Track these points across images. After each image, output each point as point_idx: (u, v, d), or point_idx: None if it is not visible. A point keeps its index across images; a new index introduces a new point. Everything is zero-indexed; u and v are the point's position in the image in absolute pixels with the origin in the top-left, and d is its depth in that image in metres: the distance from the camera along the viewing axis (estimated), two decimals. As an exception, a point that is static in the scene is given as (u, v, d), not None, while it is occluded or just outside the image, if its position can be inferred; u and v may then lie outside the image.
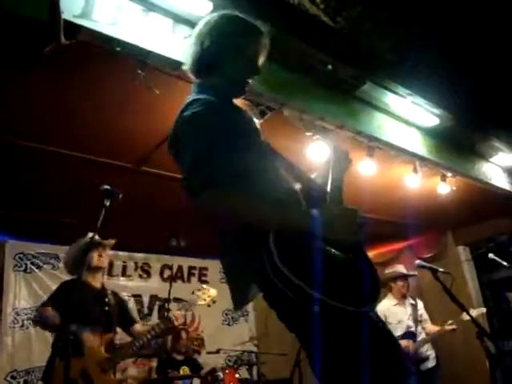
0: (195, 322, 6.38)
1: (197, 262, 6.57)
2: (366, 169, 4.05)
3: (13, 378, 4.94)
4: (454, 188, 4.74)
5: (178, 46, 2.76)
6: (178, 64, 2.73)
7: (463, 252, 6.53)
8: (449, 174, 4.67)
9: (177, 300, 6.14)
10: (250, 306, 6.94)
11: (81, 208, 4.54)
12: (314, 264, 1.44)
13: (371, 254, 7.25)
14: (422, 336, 4.77)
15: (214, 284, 6.67)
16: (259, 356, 5.34)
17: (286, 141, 3.72)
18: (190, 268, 6.54)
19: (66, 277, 5.43)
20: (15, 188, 4.20)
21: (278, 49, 2.96)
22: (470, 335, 4.36)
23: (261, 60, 1.79)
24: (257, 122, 1.84)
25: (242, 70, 1.76)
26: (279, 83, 3.16)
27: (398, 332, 4.66)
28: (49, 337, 5.23)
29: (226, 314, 6.71)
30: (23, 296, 5.29)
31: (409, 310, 4.85)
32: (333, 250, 1.52)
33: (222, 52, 1.73)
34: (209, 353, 5.73)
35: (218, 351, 5.49)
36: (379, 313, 4.77)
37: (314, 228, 1.49)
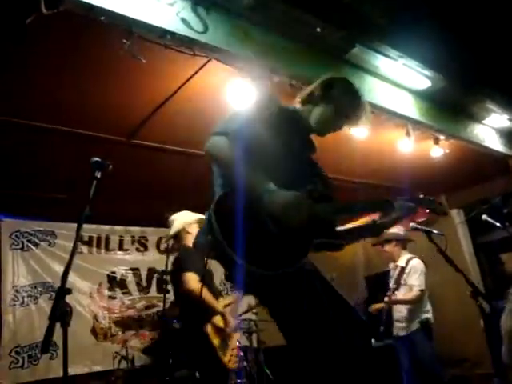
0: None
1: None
2: (358, 133, 4.04)
3: (17, 353, 5.00)
4: (447, 151, 4.75)
5: (163, 13, 2.71)
6: (163, 32, 2.69)
7: (457, 215, 6.57)
8: (442, 137, 4.68)
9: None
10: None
11: (74, 183, 4.53)
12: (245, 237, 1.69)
13: (366, 219, 7.29)
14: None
15: (210, 255, 6.72)
16: (258, 324, 5.40)
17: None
18: (187, 238, 6.55)
19: (63, 253, 5.50)
20: (7, 166, 4.18)
21: (265, 12, 2.92)
22: (464, 295, 4.44)
23: (345, 124, 2.19)
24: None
25: (330, 122, 2.16)
26: (267, 48, 3.12)
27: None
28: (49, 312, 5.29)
29: (224, 284, 6.76)
30: (22, 274, 5.32)
31: (394, 273, 4.80)
32: (269, 222, 1.77)
33: (329, 100, 2.13)
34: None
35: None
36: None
37: (261, 196, 1.76)
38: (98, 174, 2.08)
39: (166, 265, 4.66)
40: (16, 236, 5.37)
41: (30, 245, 5.42)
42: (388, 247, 4.82)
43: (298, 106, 2.22)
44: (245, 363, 5.16)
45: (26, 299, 5.25)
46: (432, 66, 3.89)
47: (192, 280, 3.56)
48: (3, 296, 5.10)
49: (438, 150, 4.70)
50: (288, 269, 1.73)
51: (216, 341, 3.60)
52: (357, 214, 2.12)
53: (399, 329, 4.62)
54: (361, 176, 5.47)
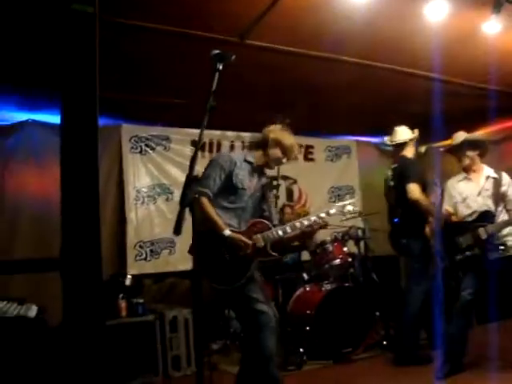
0: (302, 198, 6.51)
1: (302, 140, 6.52)
2: (490, 29, 3.64)
3: (140, 247, 5.46)
4: None
5: None
6: None
7: None
8: None
9: (284, 178, 6.28)
10: (355, 184, 6.94)
11: (189, 88, 4.60)
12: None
13: (484, 131, 6.77)
14: (502, 218, 3.95)
15: (319, 162, 6.72)
16: (367, 231, 5.38)
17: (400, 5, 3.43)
18: (296, 146, 6.54)
19: (177, 157, 5.75)
20: (126, 71, 4.29)
21: None
22: None
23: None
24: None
25: (279, 159, 3.35)
26: None
27: (466, 211, 4.04)
28: (167, 212, 5.65)
29: (333, 192, 6.77)
30: (141, 175, 5.65)
31: (482, 184, 4.04)
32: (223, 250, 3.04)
33: (275, 145, 3.30)
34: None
35: (325, 226, 5.60)
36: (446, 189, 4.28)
37: (219, 235, 3.00)
38: (220, 66, 2.05)
39: (278, 170, 4.71)
40: (135, 140, 5.66)
41: (147, 149, 5.71)
42: (472, 153, 4.09)
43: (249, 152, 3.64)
44: (352, 269, 5.25)
45: (145, 199, 5.63)
46: None
47: (416, 190, 4.27)
48: (126, 195, 5.50)
49: None
50: (238, 283, 2.98)
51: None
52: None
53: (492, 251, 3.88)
54: (484, 81, 5.00)
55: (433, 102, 5.17)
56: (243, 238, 3.02)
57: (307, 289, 5.03)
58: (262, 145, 3.36)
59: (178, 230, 1.75)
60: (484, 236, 3.84)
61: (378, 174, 7.20)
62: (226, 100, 4.15)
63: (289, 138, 3.35)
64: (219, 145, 6.01)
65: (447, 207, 4.17)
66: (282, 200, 6.15)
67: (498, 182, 4.00)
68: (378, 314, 4.96)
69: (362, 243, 5.39)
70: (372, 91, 5.04)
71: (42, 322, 2.00)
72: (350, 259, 5.11)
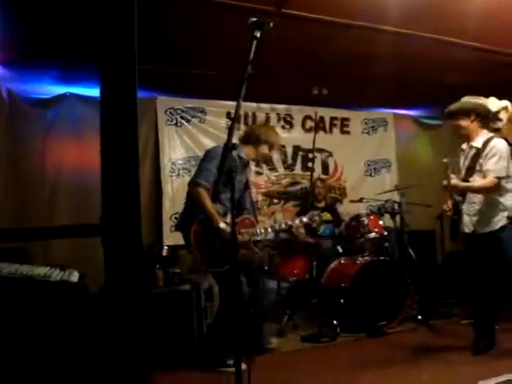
0: (338, 171, 6.46)
1: (338, 113, 6.44)
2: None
3: (176, 218, 5.49)
4: None
5: None
6: None
7: None
8: None
9: (320, 150, 6.23)
10: (392, 158, 6.82)
11: (224, 59, 4.57)
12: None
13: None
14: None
15: (355, 135, 6.62)
16: (403, 205, 5.30)
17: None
18: (332, 119, 6.42)
19: (212, 129, 5.77)
20: (161, 44, 4.27)
21: None
22: None
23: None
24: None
25: (261, 157, 4.06)
26: None
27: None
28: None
29: (368, 165, 6.68)
30: (176, 148, 5.70)
31: (466, 155, 3.83)
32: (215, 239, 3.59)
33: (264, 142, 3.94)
34: (352, 201, 5.86)
35: (360, 200, 5.57)
36: None
37: (214, 226, 3.52)
38: (258, 34, 2.03)
39: (313, 143, 4.66)
40: (170, 113, 5.69)
41: (182, 121, 5.73)
42: (464, 122, 3.74)
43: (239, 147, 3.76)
44: (387, 243, 5.20)
45: (181, 171, 5.68)
46: None
47: None
48: (162, 167, 5.57)
49: None
50: (223, 268, 3.50)
51: None
52: None
53: (474, 224, 3.73)
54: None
55: (475, 72, 4.99)
56: None
57: (342, 262, 5.03)
58: (253, 141, 3.89)
59: (215, 199, 1.76)
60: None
61: (415, 148, 7.09)
62: (261, 71, 4.14)
63: (275, 135, 4.03)
64: (254, 117, 5.98)
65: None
66: (318, 173, 6.13)
67: (478, 153, 3.69)
68: (412, 288, 4.92)
69: (397, 217, 5.33)
70: (411, 62, 4.90)
71: (84, 287, 2.07)
72: (385, 233, 5.07)
